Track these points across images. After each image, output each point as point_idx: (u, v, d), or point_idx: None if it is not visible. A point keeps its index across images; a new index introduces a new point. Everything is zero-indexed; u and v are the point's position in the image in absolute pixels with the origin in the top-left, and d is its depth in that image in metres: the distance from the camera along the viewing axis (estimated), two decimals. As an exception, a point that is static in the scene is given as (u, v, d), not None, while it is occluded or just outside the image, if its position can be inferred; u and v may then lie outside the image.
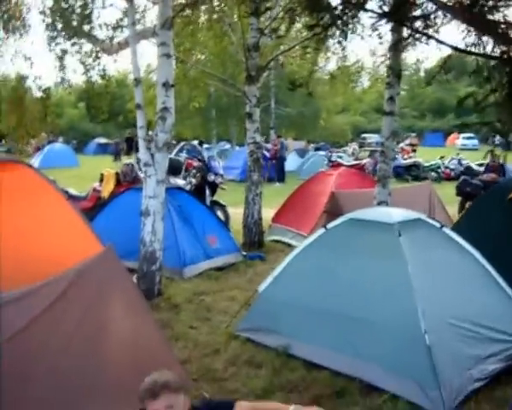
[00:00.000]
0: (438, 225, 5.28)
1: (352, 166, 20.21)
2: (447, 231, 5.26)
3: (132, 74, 6.97)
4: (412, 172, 22.80)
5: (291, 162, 26.15)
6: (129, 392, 2.81)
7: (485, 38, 5.12)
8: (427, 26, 5.52)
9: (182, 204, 8.53)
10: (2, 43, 10.63)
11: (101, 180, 10.72)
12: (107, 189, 10.41)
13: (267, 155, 22.17)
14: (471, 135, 41.72)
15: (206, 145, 26.88)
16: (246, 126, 10.17)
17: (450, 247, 5.12)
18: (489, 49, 5.22)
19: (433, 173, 22.58)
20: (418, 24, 5.50)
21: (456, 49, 4.82)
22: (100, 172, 11.14)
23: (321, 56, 13.52)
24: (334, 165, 21.09)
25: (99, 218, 8.39)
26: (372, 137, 39.89)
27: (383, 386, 4.36)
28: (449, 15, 4.83)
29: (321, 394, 4.43)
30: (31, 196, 5.12)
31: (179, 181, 11.05)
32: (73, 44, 9.50)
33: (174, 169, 12.45)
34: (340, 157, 26.33)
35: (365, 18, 5.44)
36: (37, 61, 37.33)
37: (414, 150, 32.14)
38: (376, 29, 4.88)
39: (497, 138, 10.06)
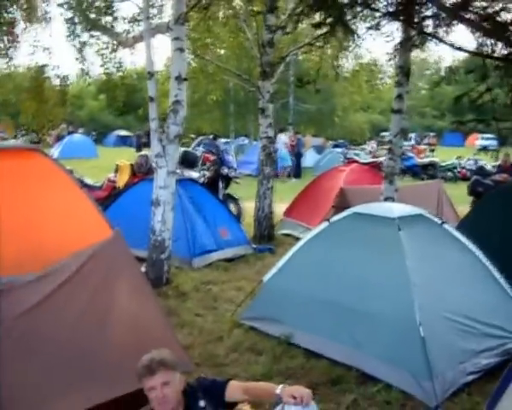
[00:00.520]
0: (438, 221, 5.36)
1: (367, 163, 20.18)
2: (447, 227, 5.34)
3: (146, 68, 7.11)
4: (429, 172, 22.75)
5: (309, 159, 26.27)
6: (130, 373, 2.92)
7: (492, 41, 5.18)
8: (436, 27, 5.58)
9: (193, 196, 8.69)
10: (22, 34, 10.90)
11: (117, 171, 10.91)
12: (121, 179, 10.59)
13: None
14: (490, 136, 41.17)
15: (223, 140, 27.02)
16: (259, 122, 10.30)
17: (450, 243, 5.20)
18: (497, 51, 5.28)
19: (449, 173, 22.51)
20: (426, 24, 5.58)
21: (460, 49, 4.90)
22: (117, 163, 11.35)
23: (335, 54, 13.53)
24: (349, 162, 21.08)
25: (113, 207, 8.52)
26: (391, 136, 39.53)
27: (378, 375, 4.47)
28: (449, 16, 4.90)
29: (317, 381, 4.56)
30: (45, 184, 5.21)
31: (193, 173, 11.20)
32: (91, 37, 9.72)
33: (190, 162, 12.69)
34: (357, 155, 26.20)
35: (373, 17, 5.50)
36: (56, 52, 37.78)
37: (432, 150, 31.93)
38: (379, 28, 4.96)
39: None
